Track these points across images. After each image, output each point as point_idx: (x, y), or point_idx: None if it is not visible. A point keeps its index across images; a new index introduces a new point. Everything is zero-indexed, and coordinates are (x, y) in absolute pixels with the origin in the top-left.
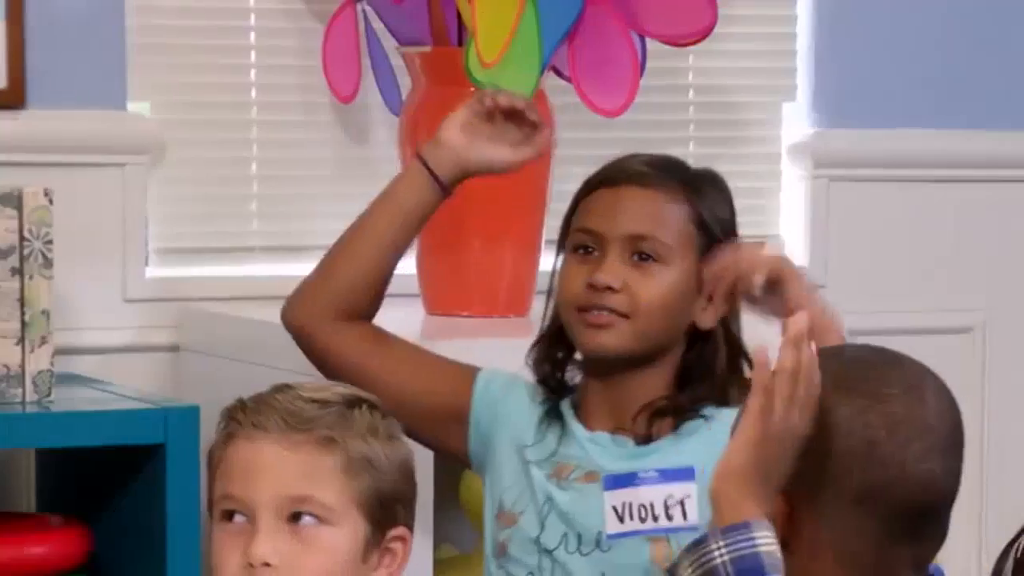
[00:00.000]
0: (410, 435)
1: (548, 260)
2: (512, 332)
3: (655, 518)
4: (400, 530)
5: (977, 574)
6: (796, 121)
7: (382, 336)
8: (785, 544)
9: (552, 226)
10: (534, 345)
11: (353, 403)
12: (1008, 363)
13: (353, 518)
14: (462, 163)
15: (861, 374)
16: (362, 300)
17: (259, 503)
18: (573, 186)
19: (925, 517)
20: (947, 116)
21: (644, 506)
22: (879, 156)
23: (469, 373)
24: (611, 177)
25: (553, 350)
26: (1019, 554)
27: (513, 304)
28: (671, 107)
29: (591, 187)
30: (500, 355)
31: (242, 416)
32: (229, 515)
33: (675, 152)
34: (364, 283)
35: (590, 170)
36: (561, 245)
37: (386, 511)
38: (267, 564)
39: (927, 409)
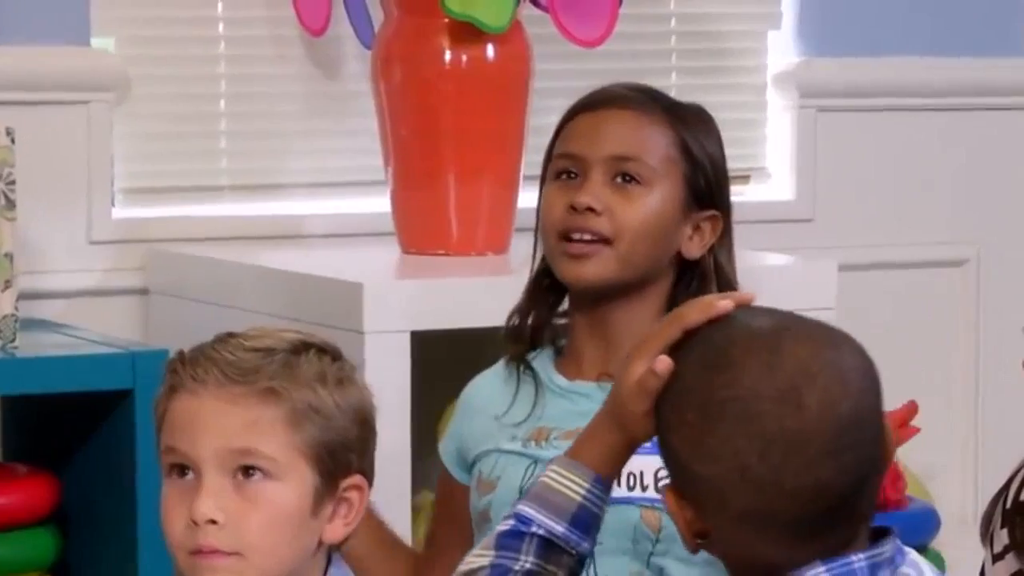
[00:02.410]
0: None
1: (527, 196)
2: (491, 270)
3: (644, 487)
4: (355, 479)
5: (973, 507)
6: (782, 50)
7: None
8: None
9: (531, 161)
10: (524, 295)
11: (300, 349)
12: (1003, 296)
13: (300, 470)
14: None
15: (729, 393)
16: None
17: (202, 458)
18: (552, 119)
19: (822, 520)
20: (937, 43)
21: (634, 474)
22: (867, 85)
23: (449, 482)
24: (593, 101)
25: (539, 297)
26: (1008, 504)
27: (492, 242)
28: (652, 36)
29: (573, 113)
30: (478, 294)
31: (181, 369)
32: (175, 470)
33: (657, 83)
34: None
35: (569, 102)
36: (544, 177)
37: (337, 461)
38: (212, 521)
39: (805, 417)
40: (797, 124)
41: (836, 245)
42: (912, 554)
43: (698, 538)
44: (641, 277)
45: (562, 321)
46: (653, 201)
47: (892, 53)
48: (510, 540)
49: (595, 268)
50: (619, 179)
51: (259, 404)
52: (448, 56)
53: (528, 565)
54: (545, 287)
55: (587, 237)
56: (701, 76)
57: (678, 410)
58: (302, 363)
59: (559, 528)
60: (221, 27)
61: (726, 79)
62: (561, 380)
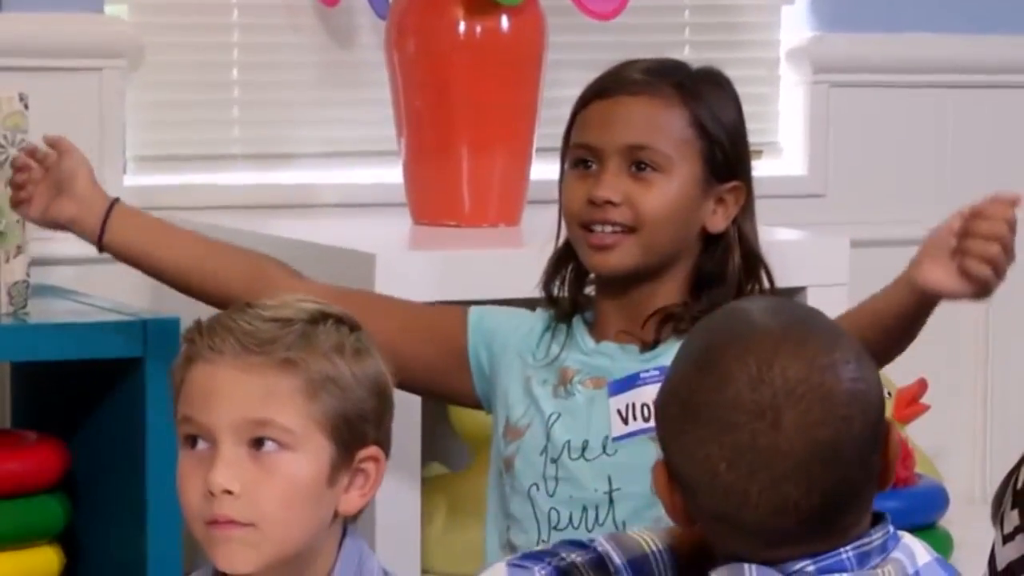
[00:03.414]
0: (412, 390)
1: (540, 168)
2: (503, 242)
3: None
4: (371, 450)
5: (981, 485)
6: (795, 25)
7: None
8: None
9: (543, 133)
10: (549, 262)
11: (317, 319)
12: (1013, 274)
13: (316, 441)
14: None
15: (710, 397)
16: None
17: (218, 428)
18: (565, 92)
19: (793, 533)
20: (950, 19)
21: (647, 405)
22: (880, 61)
23: (459, 312)
24: (605, 88)
25: (565, 266)
26: (1019, 485)
27: (504, 213)
28: (666, 10)
29: (586, 99)
30: (490, 266)
31: (199, 338)
32: (191, 440)
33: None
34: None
35: (583, 75)
36: (564, 159)
37: (354, 432)
38: (228, 492)
39: (780, 435)
40: (810, 99)
41: (847, 221)
42: (906, 537)
43: (685, 522)
44: (665, 259)
45: (590, 290)
46: (672, 186)
47: (906, 29)
48: (568, 545)
49: (619, 257)
50: (635, 168)
51: (276, 374)
52: (462, 28)
53: (577, 560)
54: (570, 258)
55: (608, 229)
56: (714, 50)
57: (667, 402)
58: (319, 333)
59: (617, 559)
60: None
61: (739, 54)
62: (589, 341)
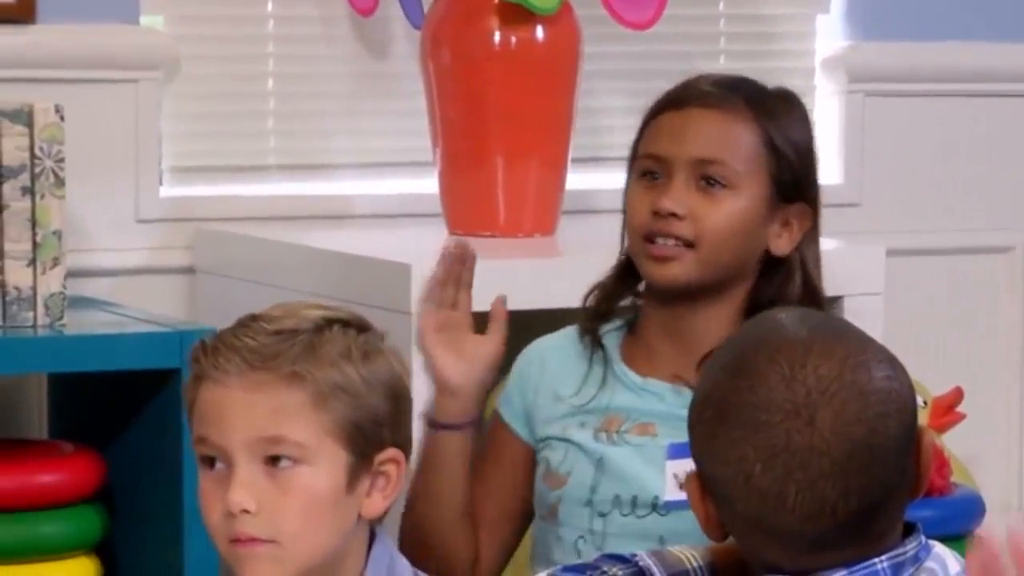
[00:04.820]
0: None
1: (575, 178)
2: (538, 252)
3: None
4: (390, 452)
5: (1018, 493)
6: (830, 34)
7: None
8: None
9: (579, 143)
10: (606, 276)
11: (322, 327)
12: None
13: (330, 451)
14: (477, 391)
15: (744, 399)
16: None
17: (232, 448)
18: (600, 101)
19: (827, 537)
20: (984, 28)
21: None
22: (915, 70)
23: (501, 432)
24: (677, 99)
25: (619, 282)
26: None
27: (539, 223)
28: (701, 19)
29: (657, 110)
30: (525, 276)
31: (203, 359)
32: (209, 460)
33: (705, 66)
34: (454, 537)
35: (618, 84)
36: (631, 169)
37: (369, 437)
38: (246, 511)
39: (815, 434)
40: (845, 108)
41: (883, 230)
42: (937, 547)
43: (719, 534)
44: (725, 278)
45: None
46: (738, 204)
47: (941, 38)
48: (610, 559)
49: (678, 270)
50: (703, 182)
51: (284, 389)
52: (497, 37)
53: (619, 574)
54: (630, 271)
55: (670, 242)
56: (749, 60)
57: (699, 409)
58: (325, 341)
59: (658, 574)
60: (270, 6)
61: (774, 63)
62: (634, 376)
